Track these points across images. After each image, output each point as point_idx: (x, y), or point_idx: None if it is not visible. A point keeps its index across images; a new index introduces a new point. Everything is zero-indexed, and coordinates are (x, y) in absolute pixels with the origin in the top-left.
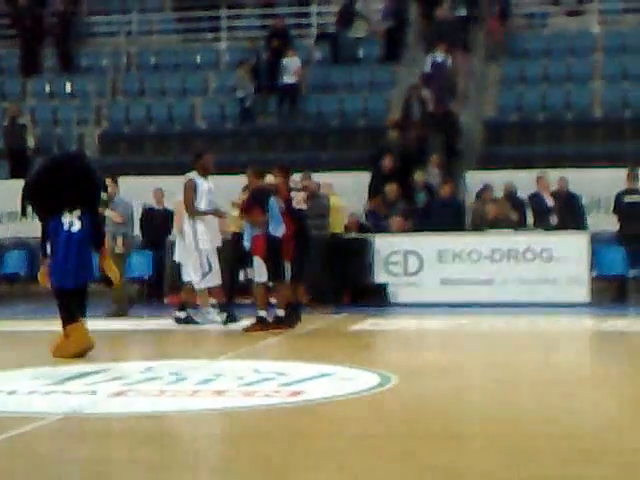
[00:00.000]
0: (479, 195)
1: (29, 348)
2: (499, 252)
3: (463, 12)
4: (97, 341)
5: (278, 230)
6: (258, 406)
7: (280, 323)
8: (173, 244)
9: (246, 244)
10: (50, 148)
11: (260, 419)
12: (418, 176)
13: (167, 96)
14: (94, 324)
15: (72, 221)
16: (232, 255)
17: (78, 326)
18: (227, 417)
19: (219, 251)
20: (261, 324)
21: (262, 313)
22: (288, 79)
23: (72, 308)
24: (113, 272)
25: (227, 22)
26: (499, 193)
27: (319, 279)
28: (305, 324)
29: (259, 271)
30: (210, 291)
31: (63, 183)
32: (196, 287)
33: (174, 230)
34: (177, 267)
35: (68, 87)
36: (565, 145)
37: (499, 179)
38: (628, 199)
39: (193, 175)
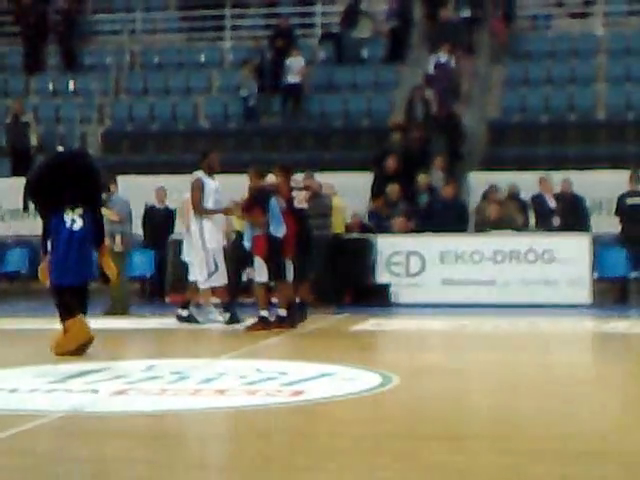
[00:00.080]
0: (485, 196)
1: (30, 346)
2: (501, 253)
3: (467, 13)
4: (99, 340)
5: (279, 230)
6: (260, 405)
7: (282, 323)
8: (175, 243)
9: (246, 244)
10: (53, 146)
11: (261, 418)
12: (421, 179)
13: (170, 95)
14: (95, 322)
15: (74, 219)
16: (236, 255)
17: (76, 321)
18: (229, 416)
19: (224, 250)
20: (263, 323)
21: (264, 313)
22: (292, 79)
23: (70, 305)
24: (111, 270)
25: (231, 21)
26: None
27: (321, 279)
28: (307, 324)
29: (259, 271)
30: (214, 290)
31: (66, 181)
32: (201, 286)
33: (182, 229)
34: (181, 266)
35: (71, 85)
36: (568, 147)
37: (502, 180)
38: (630, 201)
39: (200, 174)
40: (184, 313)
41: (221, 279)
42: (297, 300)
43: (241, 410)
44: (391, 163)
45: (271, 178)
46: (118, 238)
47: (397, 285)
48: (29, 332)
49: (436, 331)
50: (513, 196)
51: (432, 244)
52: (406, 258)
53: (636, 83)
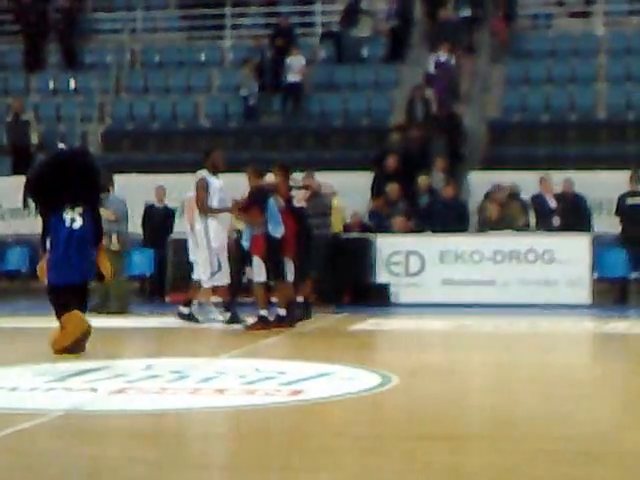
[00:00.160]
0: (488, 195)
1: (30, 345)
2: (501, 253)
3: (467, 13)
4: (98, 339)
5: (277, 230)
6: (258, 405)
7: (281, 322)
8: (175, 242)
9: (245, 244)
10: (53, 145)
11: (260, 418)
12: (422, 180)
13: (171, 94)
14: (95, 321)
15: (74, 218)
16: (237, 254)
17: (72, 315)
18: (228, 415)
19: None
20: (262, 323)
21: (263, 312)
22: (292, 78)
23: (65, 301)
24: (106, 268)
25: (232, 20)
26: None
27: (321, 279)
28: (306, 323)
29: (258, 271)
30: (215, 289)
31: (66, 179)
32: (204, 285)
33: (186, 228)
34: (181, 265)
35: (72, 84)
36: (568, 147)
37: (502, 180)
38: (630, 201)
39: (204, 173)
40: (185, 311)
41: (224, 278)
42: (300, 299)
43: (240, 409)
44: (391, 162)
45: (270, 177)
46: (114, 237)
47: (397, 285)
48: (29, 331)
49: (435, 331)
50: (513, 196)
51: (432, 244)
52: (406, 258)
53: (637, 83)
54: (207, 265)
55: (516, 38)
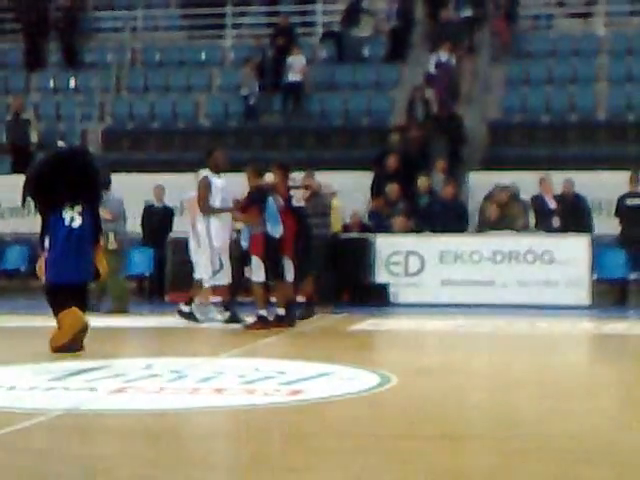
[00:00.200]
0: (490, 196)
1: (29, 344)
2: (500, 254)
3: (468, 13)
4: (97, 338)
5: (276, 230)
6: (258, 404)
7: (281, 322)
8: (174, 242)
9: (243, 243)
10: (53, 143)
11: (259, 417)
12: (422, 182)
13: (171, 93)
14: (94, 321)
15: (73, 217)
16: (236, 254)
17: (69, 312)
18: (227, 415)
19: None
20: (262, 323)
21: (262, 312)
22: (293, 77)
23: (62, 300)
24: (102, 267)
25: (232, 19)
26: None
27: (320, 278)
28: (306, 323)
29: (257, 270)
30: (215, 289)
31: (65, 178)
32: (205, 284)
33: (188, 227)
34: (181, 265)
35: (72, 82)
36: (568, 147)
37: (502, 181)
38: (630, 202)
39: (207, 173)
40: (186, 309)
41: (225, 278)
42: (303, 298)
43: (239, 409)
44: (392, 162)
45: (269, 177)
46: (111, 236)
47: (396, 285)
48: (28, 330)
49: (435, 331)
50: (514, 197)
51: (431, 244)
52: (405, 258)
53: (637, 84)
54: (208, 264)
55: (517, 38)
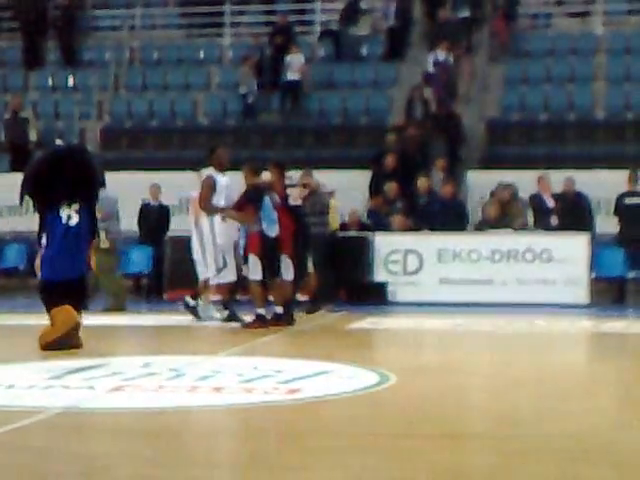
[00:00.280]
0: (493, 194)
1: (28, 342)
2: (499, 252)
3: (466, 13)
4: (95, 336)
5: (272, 229)
6: (256, 403)
7: (279, 320)
8: (172, 240)
9: (240, 242)
10: (51, 142)
11: (258, 416)
12: (421, 182)
13: (169, 91)
14: (92, 319)
15: (70, 215)
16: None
17: (62, 309)
18: (225, 413)
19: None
20: (260, 321)
21: (260, 310)
22: (291, 76)
23: (55, 297)
24: (93, 263)
25: (231, 18)
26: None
27: (318, 277)
28: (304, 322)
29: (254, 269)
30: (219, 287)
31: (63, 176)
32: (211, 282)
33: (190, 225)
34: (179, 263)
35: (71, 81)
36: (567, 146)
37: (501, 179)
38: (629, 201)
39: (211, 171)
40: (191, 302)
41: (229, 276)
42: (305, 296)
43: (237, 407)
44: (390, 161)
45: (266, 175)
46: (103, 234)
47: (394, 283)
48: (26, 328)
49: (433, 330)
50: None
51: (430, 242)
52: (404, 256)
53: (635, 83)
54: (212, 262)
55: (515, 38)
